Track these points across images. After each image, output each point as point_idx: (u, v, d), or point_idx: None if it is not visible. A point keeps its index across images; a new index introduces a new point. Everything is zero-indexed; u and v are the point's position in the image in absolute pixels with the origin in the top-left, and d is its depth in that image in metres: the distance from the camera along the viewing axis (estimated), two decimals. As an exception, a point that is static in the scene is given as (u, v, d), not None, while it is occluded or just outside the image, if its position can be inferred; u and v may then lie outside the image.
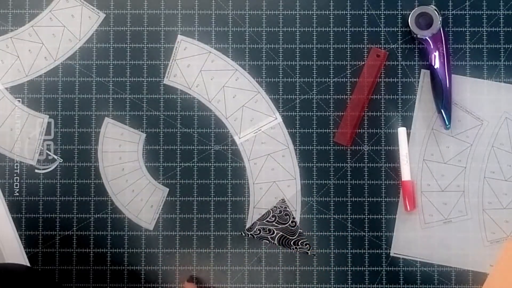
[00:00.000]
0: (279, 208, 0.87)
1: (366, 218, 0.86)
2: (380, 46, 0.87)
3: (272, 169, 0.87)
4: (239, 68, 0.88)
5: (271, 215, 0.87)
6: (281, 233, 0.87)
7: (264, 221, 0.87)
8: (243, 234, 0.87)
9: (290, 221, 0.87)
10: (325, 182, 0.87)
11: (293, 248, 0.86)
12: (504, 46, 0.86)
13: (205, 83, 0.88)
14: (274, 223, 0.87)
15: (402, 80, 0.87)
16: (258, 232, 0.87)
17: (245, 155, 0.87)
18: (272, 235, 0.87)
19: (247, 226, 0.87)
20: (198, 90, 0.88)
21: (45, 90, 0.88)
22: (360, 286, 0.86)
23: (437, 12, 0.84)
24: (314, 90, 0.87)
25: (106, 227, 0.88)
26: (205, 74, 0.88)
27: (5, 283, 0.74)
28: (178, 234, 0.87)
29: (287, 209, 0.87)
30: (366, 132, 0.87)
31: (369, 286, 0.86)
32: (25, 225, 0.88)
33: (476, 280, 0.85)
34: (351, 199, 0.87)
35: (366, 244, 0.86)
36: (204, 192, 0.87)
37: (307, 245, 0.86)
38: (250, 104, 0.88)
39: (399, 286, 0.86)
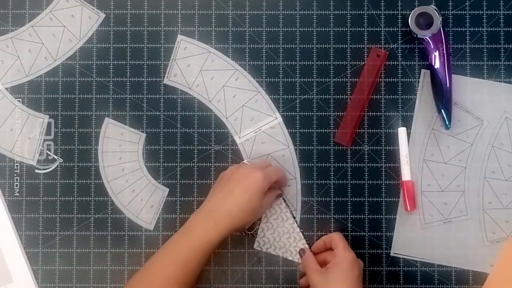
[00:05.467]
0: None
1: (366, 218, 0.86)
2: (380, 46, 0.87)
3: None
4: (239, 68, 0.88)
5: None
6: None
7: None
8: (243, 234, 0.87)
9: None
10: (325, 182, 0.87)
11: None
12: (504, 46, 0.86)
13: (205, 83, 0.88)
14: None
15: (402, 80, 0.87)
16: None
17: (245, 154, 0.87)
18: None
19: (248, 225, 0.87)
20: (198, 90, 0.88)
21: (45, 90, 0.88)
22: (360, 286, 0.86)
23: (437, 12, 0.84)
24: (314, 90, 0.87)
25: (106, 227, 0.88)
26: (205, 74, 0.88)
27: None
28: (178, 234, 0.87)
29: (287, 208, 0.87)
30: (366, 132, 0.87)
31: (369, 286, 0.86)
32: (25, 225, 0.88)
33: (476, 280, 0.85)
34: (351, 199, 0.87)
35: (366, 244, 0.86)
36: (204, 192, 0.87)
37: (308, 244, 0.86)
38: (250, 103, 0.88)
39: (399, 286, 0.86)
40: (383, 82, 0.87)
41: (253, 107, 0.88)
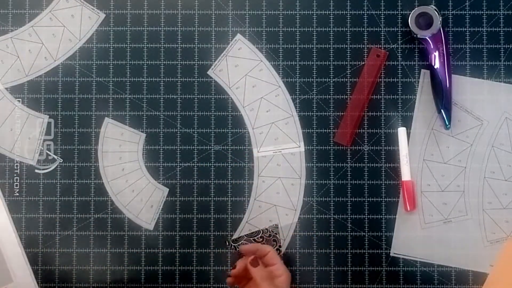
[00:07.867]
0: (269, 232, 0.86)
1: (366, 218, 0.86)
2: (380, 46, 0.87)
3: (277, 193, 0.87)
4: (282, 86, 0.87)
5: (260, 235, 0.86)
6: None
7: (251, 238, 0.86)
8: (227, 243, 0.86)
9: (275, 248, 0.86)
10: (325, 182, 0.87)
11: None
12: (504, 46, 0.86)
13: (245, 88, 0.87)
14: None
15: (402, 80, 0.87)
16: None
17: (257, 170, 0.87)
18: None
19: (234, 236, 0.87)
20: (236, 92, 0.87)
21: (45, 90, 0.88)
22: (360, 286, 0.86)
23: (437, 12, 0.84)
24: (314, 90, 0.87)
25: (106, 227, 0.88)
26: (249, 79, 0.87)
27: None
28: (178, 234, 0.87)
29: (277, 235, 0.86)
30: (366, 132, 0.87)
31: (369, 286, 0.86)
32: (25, 225, 0.88)
33: (476, 280, 0.85)
34: (351, 199, 0.87)
35: (366, 244, 0.86)
36: (204, 192, 0.87)
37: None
38: (280, 123, 0.87)
39: (399, 286, 0.86)
40: (383, 82, 0.87)
41: (282, 128, 0.87)
